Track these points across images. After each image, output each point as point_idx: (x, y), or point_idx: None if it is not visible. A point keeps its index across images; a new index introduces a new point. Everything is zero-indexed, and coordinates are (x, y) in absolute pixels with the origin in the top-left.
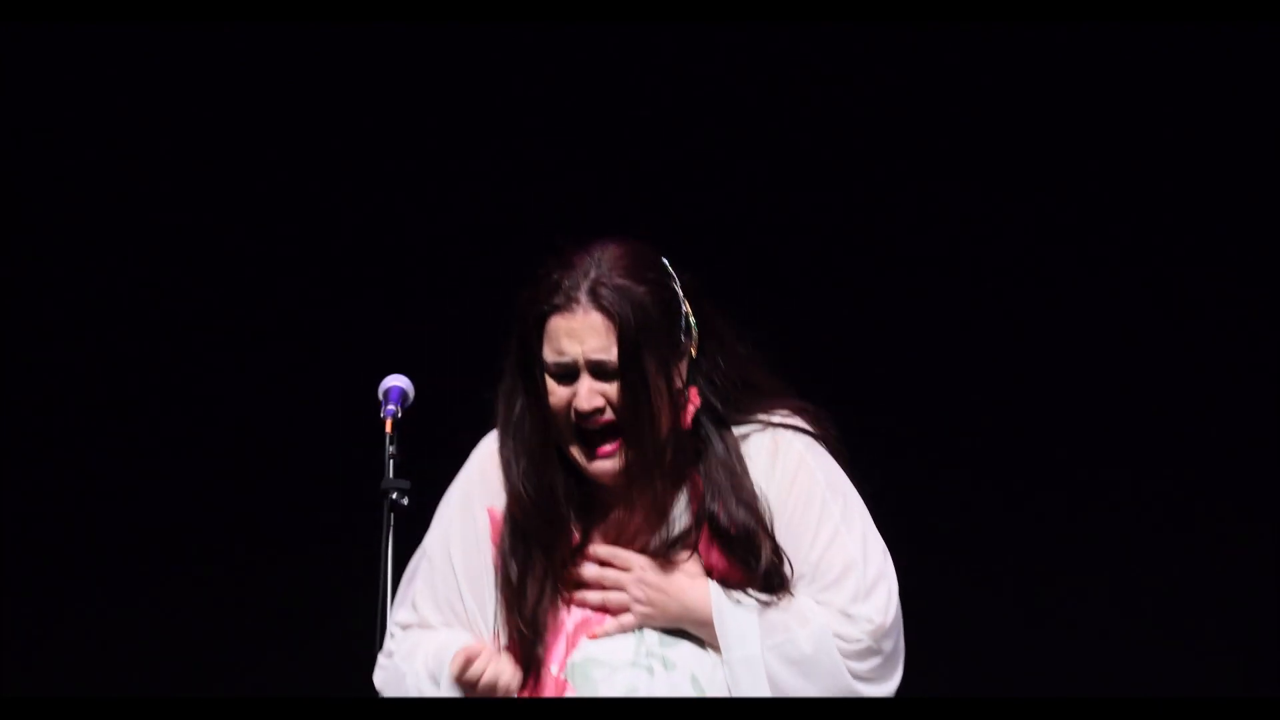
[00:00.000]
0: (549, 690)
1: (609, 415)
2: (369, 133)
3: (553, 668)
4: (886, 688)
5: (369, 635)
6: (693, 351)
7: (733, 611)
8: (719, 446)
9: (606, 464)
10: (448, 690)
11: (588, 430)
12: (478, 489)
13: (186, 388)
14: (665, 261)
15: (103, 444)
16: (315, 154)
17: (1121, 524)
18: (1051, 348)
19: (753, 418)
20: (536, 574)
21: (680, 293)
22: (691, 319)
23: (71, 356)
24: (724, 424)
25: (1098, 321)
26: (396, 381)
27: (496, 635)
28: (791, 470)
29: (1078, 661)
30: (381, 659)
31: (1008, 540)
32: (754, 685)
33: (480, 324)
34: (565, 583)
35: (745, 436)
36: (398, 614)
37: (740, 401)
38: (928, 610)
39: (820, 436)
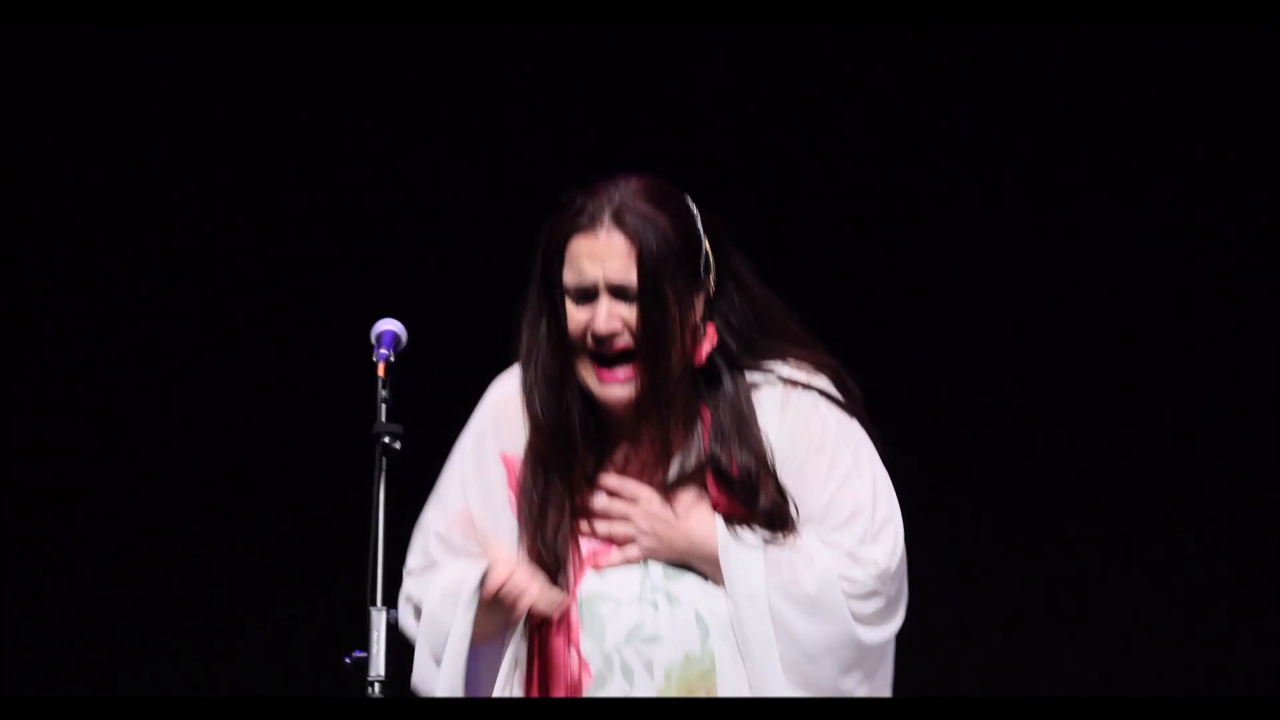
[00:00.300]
0: (562, 629)
1: (625, 340)
2: (362, 83)
3: (571, 606)
4: (886, 631)
5: (361, 580)
6: (710, 290)
7: (738, 547)
8: (729, 388)
9: (619, 389)
10: (468, 607)
11: (603, 355)
12: (490, 435)
13: (177, 335)
14: (688, 199)
15: (90, 391)
16: (310, 103)
17: (1121, 524)
18: (1049, 348)
19: (768, 367)
20: (556, 502)
21: (701, 231)
22: (710, 258)
23: (57, 302)
24: (737, 368)
25: (1097, 320)
26: (389, 325)
27: None
28: (804, 417)
29: (1078, 661)
30: (400, 601)
31: (1008, 540)
32: (757, 622)
33: (473, 269)
34: (578, 512)
35: (757, 385)
36: (411, 559)
37: (757, 347)
38: (928, 610)
39: (839, 400)
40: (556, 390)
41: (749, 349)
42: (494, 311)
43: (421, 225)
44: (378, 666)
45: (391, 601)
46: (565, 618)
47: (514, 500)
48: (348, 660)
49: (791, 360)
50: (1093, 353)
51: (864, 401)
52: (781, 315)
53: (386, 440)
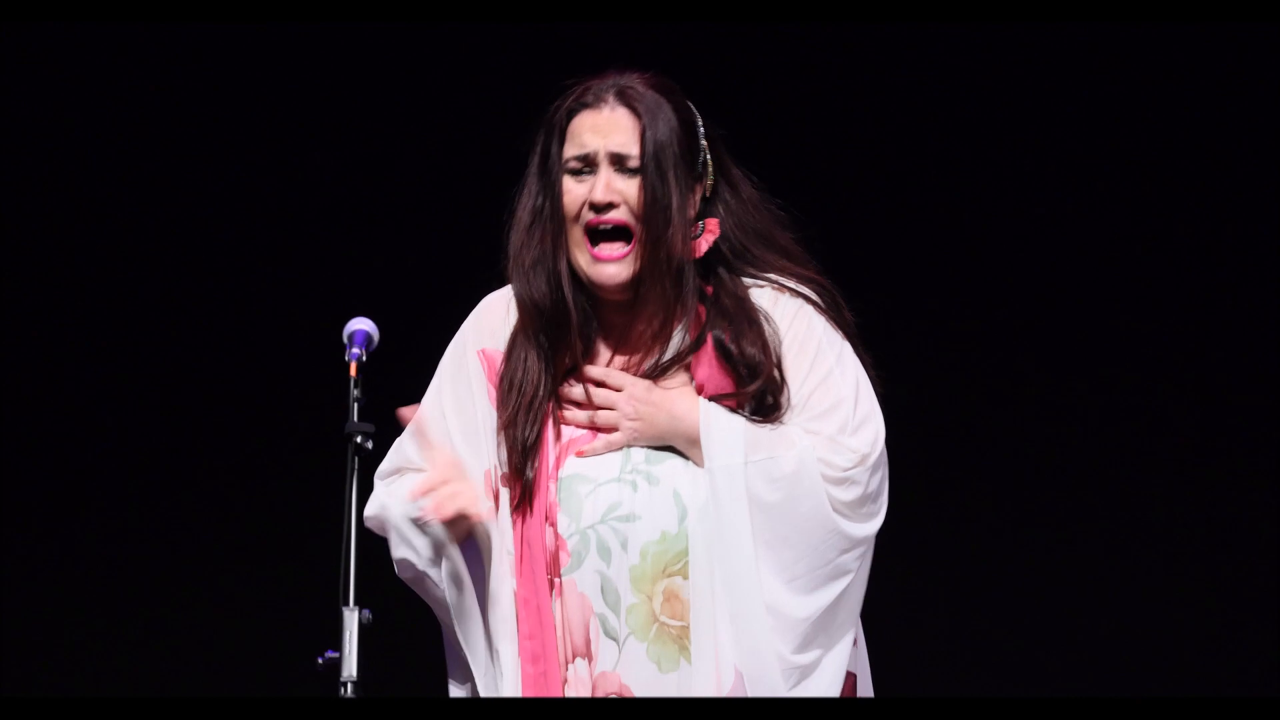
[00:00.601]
0: (540, 509)
1: (622, 214)
2: (338, 80)
3: (549, 486)
4: (864, 528)
5: (333, 579)
6: (706, 189)
7: (719, 423)
8: (729, 281)
9: (613, 268)
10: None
11: (598, 230)
12: (470, 335)
13: (151, 334)
14: (691, 104)
15: (67, 388)
16: (284, 101)
17: (1122, 524)
18: (1048, 349)
19: (757, 273)
20: (534, 380)
21: (702, 130)
22: (709, 158)
23: (36, 305)
24: (733, 269)
25: (1098, 318)
26: (361, 324)
27: (489, 472)
28: (790, 316)
29: (1077, 661)
30: (369, 505)
31: (1007, 540)
32: (733, 496)
33: (445, 268)
34: (561, 400)
35: (748, 287)
36: (384, 463)
37: (750, 253)
38: (927, 610)
39: (825, 310)
40: (548, 267)
41: (741, 256)
42: (467, 310)
43: (394, 223)
44: (350, 667)
45: (364, 602)
46: (543, 498)
47: (492, 393)
48: (320, 660)
49: (783, 274)
50: (1092, 352)
51: (853, 321)
52: (776, 229)
53: (358, 440)
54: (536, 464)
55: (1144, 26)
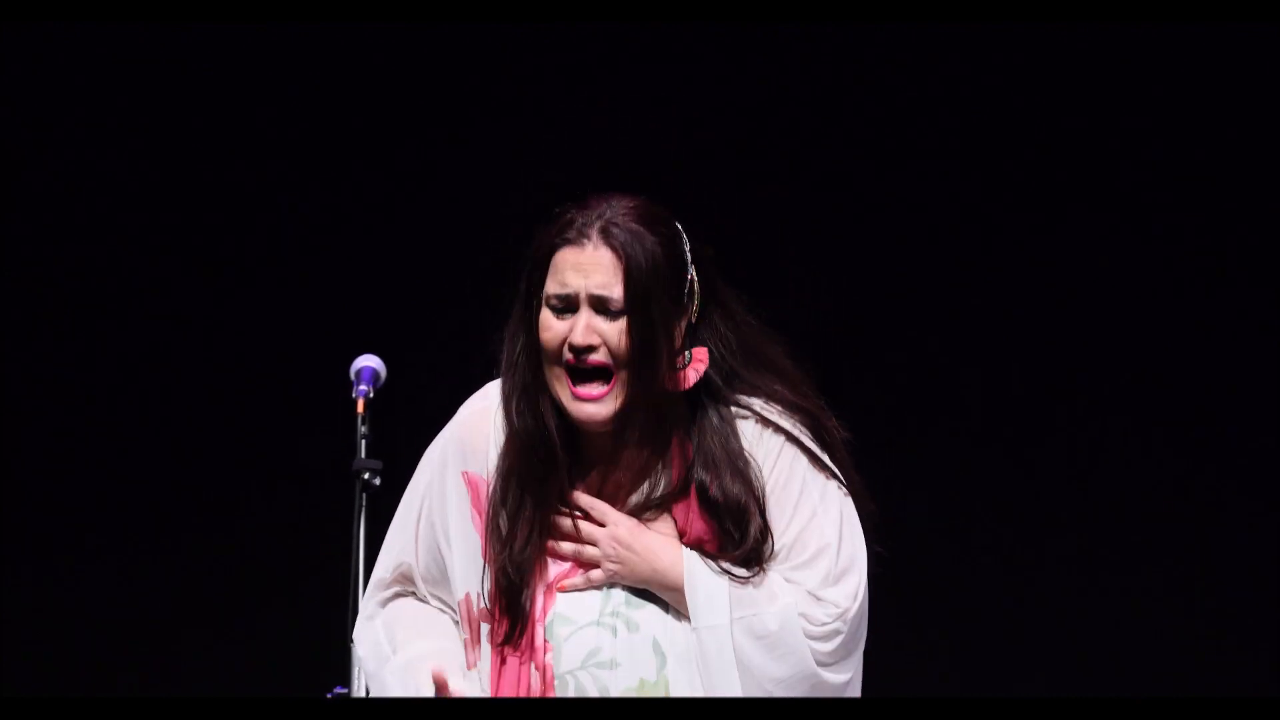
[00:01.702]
0: (536, 647)
1: (602, 356)
2: (345, 112)
3: (538, 629)
4: (846, 671)
5: (341, 616)
6: (692, 317)
7: (704, 580)
8: (714, 417)
9: (592, 408)
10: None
11: (578, 370)
12: (453, 454)
13: (159, 369)
14: (678, 224)
15: (71, 421)
16: (291, 134)
17: (1122, 523)
18: (1047, 348)
19: (745, 403)
20: (526, 518)
21: (689, 256)
22: (696, 284)
23: (40, 333)
24: (720, 398)
25: (1099, 319)
26: (368, 362)
27: (469, 597)
28: (773, 455)
29: (1077, 661)
30: (362, 620)
31: (1008, 540)
32: (720, 655)
33: (452, 306)
34: (546, 531)
35: (734, 419)
36: (379, 567)
37: (739, 379)
38: (929, 609)
39: (808, 448)
40: (533, 401)
41: (730, 381)
42: (472, 347)
43: (402, 260)
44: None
45: None
46: (530, 639)
47: (476, 519)
48: (329, 696)
49: (771, 400)
50: (1092, 353)
51: (845, 443)
52: (768, 347)
53: (366, 476)
54: (528, 603)
55: (1144, 27)
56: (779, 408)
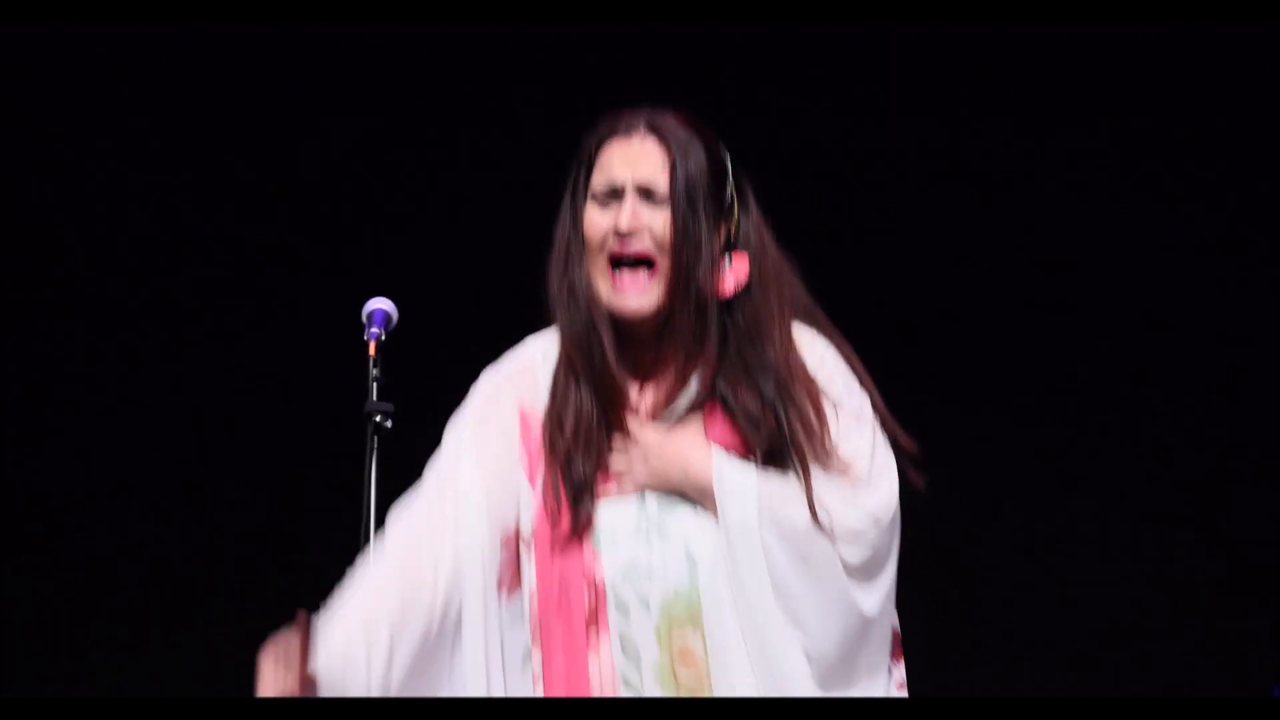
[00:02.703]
0: (585, 560)
1: (645, 243)
2: (360, 60)
3: (588, 532)
4: (874, 589)
5: (352, 558)
6: (732, 230)
7: (733, 479)
8: (743, 323)
9: (632, 298)
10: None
11: (621, 259)
12: (507, 386)
13: (171, 316)
14: (722, 144)
15: (83, 362)
16: (303, 86)
17: (1121, 523)
18: (1047, 348)
19: (779, 323)
20: (587, 416)
21: (730, 169)
22: (736, 201)
23: (52, 292)
24: (752, 312)
25: (1102, 317)
26: (380, 304)
27: (507, 538)
28: (814, 363)
29: (1076, 661)
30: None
31: (1007, 541)
32: (748, 553)
33: (464, 248)
34: (603, 440)
35: (766, 332)
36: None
37: (770, 299)
38: (928, 610)
39: (848, 360)
40: (581, 296)
41: (764, 300)
42: (486, 291)
43: (413, 204)
44: None
45: None
46: (581, 549)
47: (523, 456)
48: None
49: (804, 317)
50: (1091, 352)
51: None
52: (796, 279)
53: (377, 419)
54: (585, 511)
55: (1144, 27)
56: (812, 328)
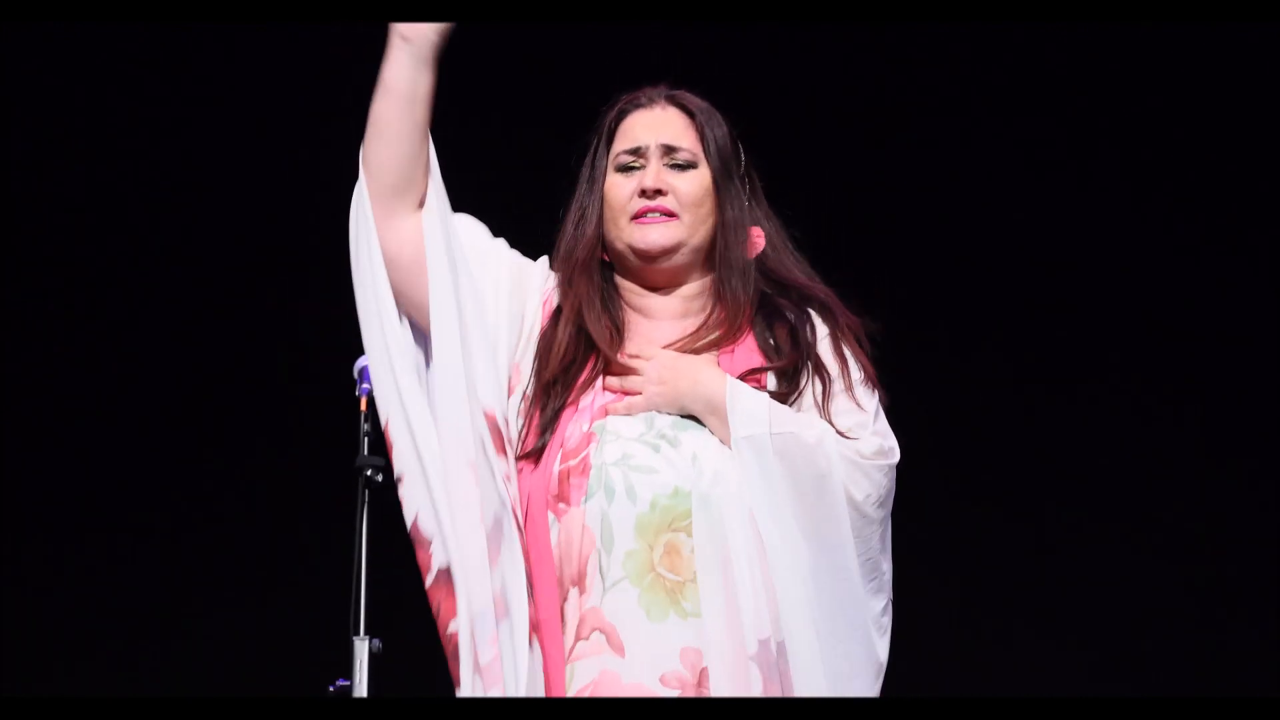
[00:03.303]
0: (574, 438)
1: (670, 203)
2: (350, 112)
3: (583, 425)
4: (882, 511)
5: (344, 609)
6: (746, 201)
7: (745, 394)
8: (761, 286)
9: (656, 230)
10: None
11: (644, 211)
12: (550, 271)
13: (165, 367)
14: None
15: (77, 416)
16: (301, 136)
17: (1121, 523)
18: (1045, 349)
19: (799, 289)
20: (572, 348)
21: (742, 149)
22: (748, 176)
23: (52, 334)
24: (771, 278)
25: (1106, 314)
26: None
27: (517, 366)
28: (823, 334)
29: (1076, 661)
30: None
31: (1007, 541)
32: (760, 465)
33: None
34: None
35: (788, 294)
36: None
37: (779, 270)
38: (928, 611)
39: (854, 328)
40: (592, 272)
41: (775, 270)
42: None
43: None
44: (360, 695)
45: (374, 631)
46: (585, 436)
47: (543, 315)
48: (331, 689)
49: (815, 289)
50: (1090, 352)
51: (873, 339)
52: (800, 257)
53: (369, 473)
54: (561, 421)
55: (1143, 28)
56: (821, 291)
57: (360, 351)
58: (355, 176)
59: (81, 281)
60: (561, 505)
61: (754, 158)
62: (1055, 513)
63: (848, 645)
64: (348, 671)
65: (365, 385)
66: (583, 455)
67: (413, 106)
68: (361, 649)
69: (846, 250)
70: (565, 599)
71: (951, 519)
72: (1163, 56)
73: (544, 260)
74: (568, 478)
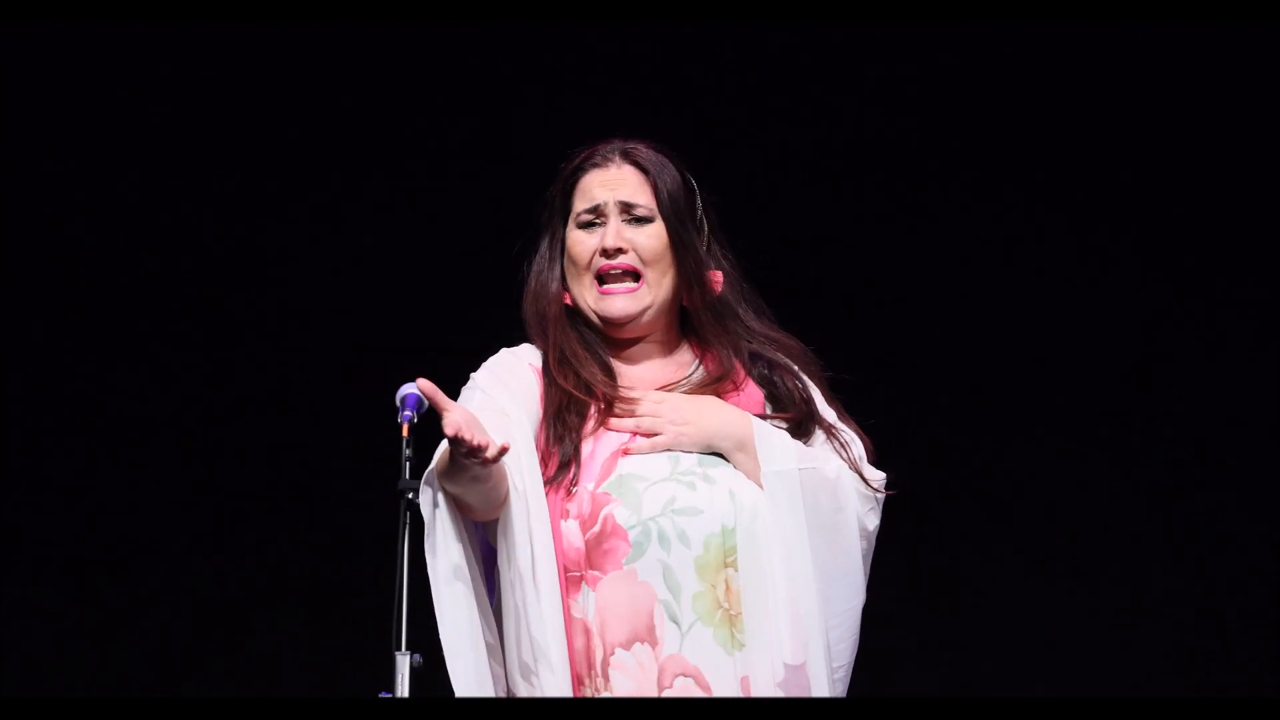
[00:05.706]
0: (585, 504)
1: (632, 259)
2: (390, 136)
3: (588, 485)
4: (872, 544)
5: (385, 636)
6: (705, 244)
7: (771, 431)
8: (737, 328)
9: (620, 300)
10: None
11: (606, 275)
12: (525, 353)
13: (212, 394)
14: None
15: (122, 439)
16: (339, 159)
17: (1121, 523)
18: (1045, 352)
19: (763, 333)
20: (579, 407)
21: (698, 192)
22: (704, 221)
23: (94, 355)
24: (739, 319)
25: (1095, 328)
26: (413, 389)
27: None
28: (813, 387)
29: (1076, 662)
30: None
31: (1007, 540)
32: (789, 499)
33: (494, 334)
34: (602, 415)
35: (757, 338)
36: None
37: (738, 312)
38: (929, 610)
39: (827, 384)
40: (561, 323)
41: (736, 311)
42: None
43: (444, 293)
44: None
45: (415, 647)
46: (595, 498)
47: (538, 405)
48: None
49: (768, 339)
50: (1092, 362)
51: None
52: (758, 299)
53: (410, 496)
54: (580, 467)
55: (1143, 27)
56: (774, 338)
57: (402, 380)
58: (391, 225)
59: (136, 310)
60: (594, 573)
61: (708, 191)
62: (1055, 513)
63: (846, 658)
64: (390, 685)
65: (407, 413)
66: (602, 519)
67: (495, 487)
68: (403, 663)
69: (841, 253)
70: (608, 660)
71: (952, 518)
72: (1162, 57)
73: (518, 350)
74: (598, 545)
